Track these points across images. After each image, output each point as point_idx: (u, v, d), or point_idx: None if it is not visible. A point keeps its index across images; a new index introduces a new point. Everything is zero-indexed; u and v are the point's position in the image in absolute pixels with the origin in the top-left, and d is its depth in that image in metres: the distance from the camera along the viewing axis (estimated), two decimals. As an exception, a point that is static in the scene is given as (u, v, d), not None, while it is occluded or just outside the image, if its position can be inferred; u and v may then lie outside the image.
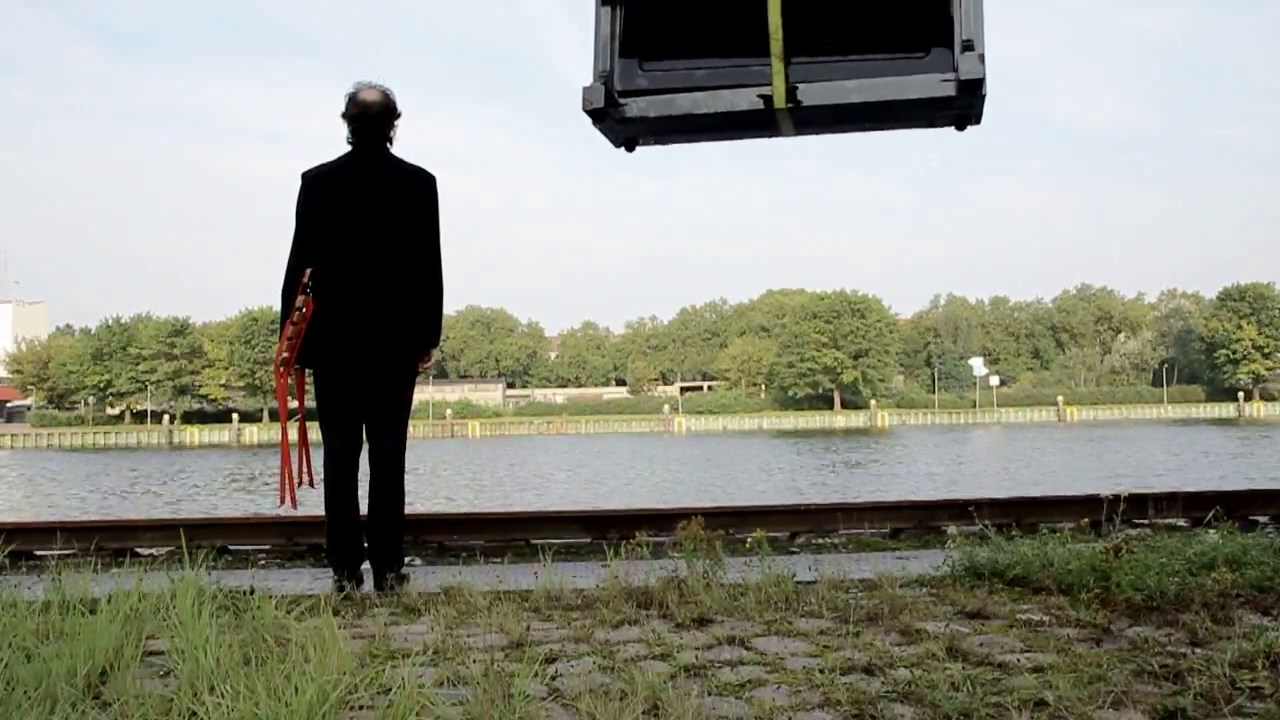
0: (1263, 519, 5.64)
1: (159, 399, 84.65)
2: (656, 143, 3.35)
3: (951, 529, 5.47)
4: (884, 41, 2.96)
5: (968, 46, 2.81)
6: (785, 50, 2.90)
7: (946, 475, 26.24)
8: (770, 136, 3.27)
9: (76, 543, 5.28)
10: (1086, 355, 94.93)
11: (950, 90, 2.83)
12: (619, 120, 3.05)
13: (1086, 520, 5.26)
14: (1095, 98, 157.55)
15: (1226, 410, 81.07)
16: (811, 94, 2.91)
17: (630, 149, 3.24)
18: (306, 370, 4.10)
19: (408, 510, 4.22)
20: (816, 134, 3.32)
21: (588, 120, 2.98)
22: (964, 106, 2.93)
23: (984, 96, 2.87)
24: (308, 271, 3.91)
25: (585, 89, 3.01)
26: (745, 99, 2.96)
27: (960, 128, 3.07)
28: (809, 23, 2.95)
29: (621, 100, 3.00)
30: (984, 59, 2.80)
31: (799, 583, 3.44)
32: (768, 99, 2.92)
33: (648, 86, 3.06)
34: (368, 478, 4.07)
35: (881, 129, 3.29)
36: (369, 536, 4.03)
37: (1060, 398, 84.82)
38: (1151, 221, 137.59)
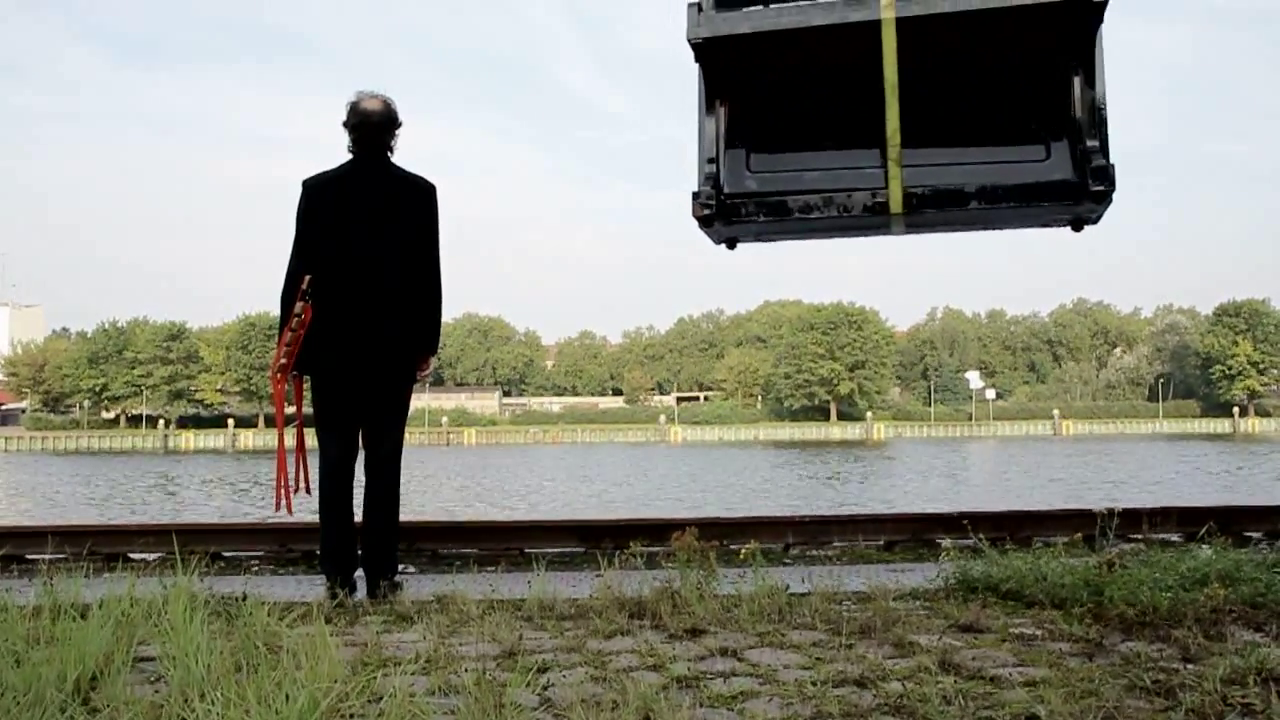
0: (1256, 535, 5.64)
1: (154, 403, 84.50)
2: (758, 241, 3.32)
3: (946, 542, 5.47)
4: (1004, 144, 2.89)
5: (1093, 152, 2.76)
6: (902, 154, 2.84)
7: (941, 488, 26.23)
8: (879, 235, 3.23)
9: (68, 547, 5.26)
10: (1082, 370, 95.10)
11: (1073, 208, 2.80)
12: (726, 224, 3.03)
13: (1080, 535, 5.25)
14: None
15: (1222, 426, 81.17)
16: (928, 199, 2.86)
17: (732, 247, 3.20)
18: (304, 377, 4.10)
19: (402, 518, 4.22)
20: (928, 234, 3.28)
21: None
22: (1087, 211, 2.90)
23: (1110, 202, 2.82)
24: (307, 278, 3.91)
25: (695, 196, 2.97)
26: (859, 203, 2.90)
27: (1077, 229, 3.03)
28: (927, 124, 2.88)
29: (729, 202, 2.96)
30: (1112, 166, 2.75)
31: (792, 594, 3.44)
32: (883, 204, 2.88)
33: (757, 189, 3.01)
34: (363, 484, 4.07)
35: (993, 229, 3.25)
36: (363, 543, 4.03)
37: (1056, 412, 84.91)
38: (1149, 237, 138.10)
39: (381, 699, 2.23)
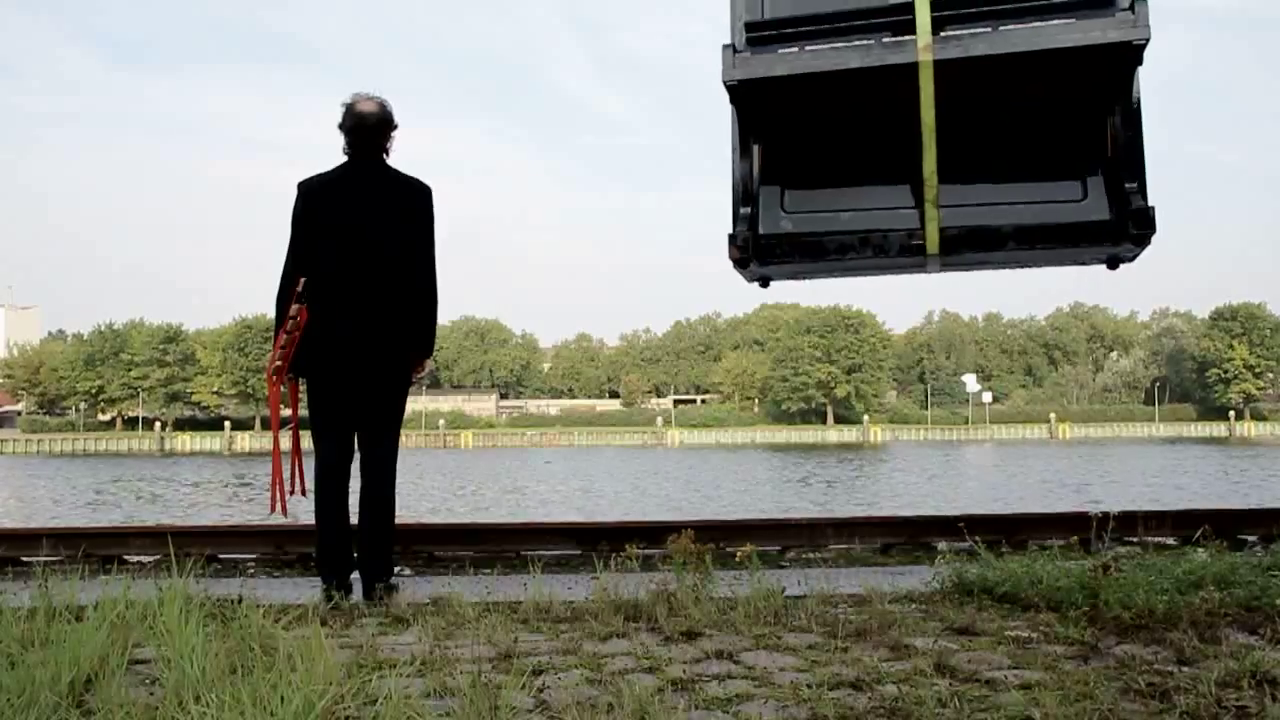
0: (1251, 538, 5.65)
1: (151, 405, 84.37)
2: (792, 280, 3.34)
3: (941, 545, 5.48)
4: (1041, 185, 2.88)
5: (1132, 193, 2.75)
6: (939, 196, 2.83)
7: (937, 491, 26.24)
8: (913, 273, 3.25)
9: (64, 549, 5.26)
10: (1079, 373, 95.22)
11: (1110, 249, 2.81)
12: (761, 264, 3.03)
13: (1076, 538, 5.26)
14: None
15: (1218, 429, 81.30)
16: (965, 240, 2.85)
17: (765, 285, 3.21)
18: (299, 379, 4.10)
19: (398, 520, 4.22)
20: (963, 271, 3.29)
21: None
22: (1125, 252, 2.90)
23: (1149, 243, 2.80)
24: (302, 280, 3.91)
25: (730, 238, 2.96)
26: (895, 244, 2.90)
27: (1112, 267, 3.03)
28: (964, 165, 2.87)
29: (765, 244, 2.97)
30: (1153, 208, 2.74)
31: (788, 597, 3.44)
32: (919, 246, 2.88)
33: (792, 230, 3.01)
34: (359, 487, 4.06)
35: (1029, 268, 3.27)
36: (359, 546, 4.02)
37: (1053, 415, 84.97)
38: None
39: (377, 701, 2.22)
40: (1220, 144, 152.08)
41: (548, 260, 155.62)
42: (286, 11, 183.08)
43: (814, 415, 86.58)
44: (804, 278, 3.31)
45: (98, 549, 5.33)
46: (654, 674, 2.60)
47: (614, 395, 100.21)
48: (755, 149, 3.06)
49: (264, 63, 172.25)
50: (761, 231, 3.00)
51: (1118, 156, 2.82)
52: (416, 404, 79.01)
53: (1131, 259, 2.95)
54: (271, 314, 4.06)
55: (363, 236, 3.99)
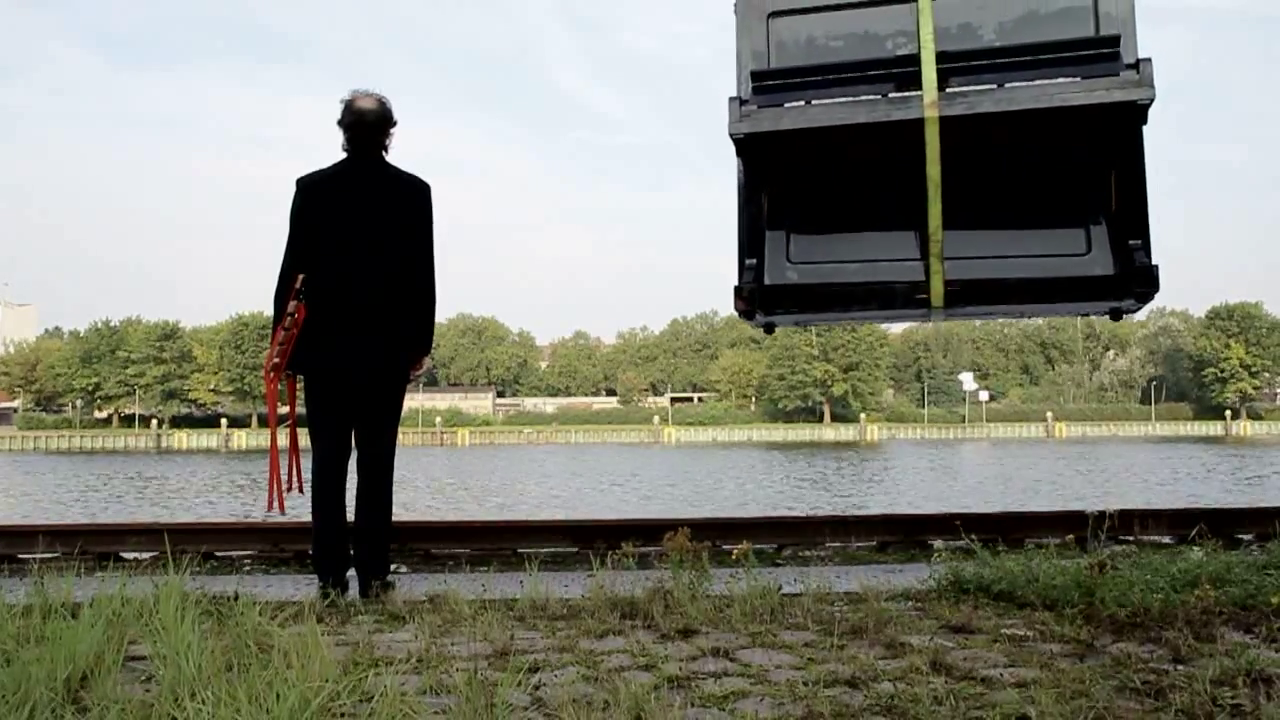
0: (1246, 537, 5.66)
1: (147, 403, 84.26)
2: (797, 325, 3.38)
3: (938, 543, 5.48)
4: (1046, 239, 2.89)
5: (1136, 250, 2.76)
6: (944, 249, 2.84)
7: (934, 489, 26.26)
8: (917, 322, 3.28)
9: (60, 546, 5.25)
10: (1075, 372, 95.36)
11: (1114, 304, 2.81)
12: (767, 313, 3.03)
13: (1072, 536, 5.27)
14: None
15: (1214, 428, 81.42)
16: (969, 294, 2.86)
17: (769, 331, 3.23)
18: (297, 376, 4.10)
19: (395, 518, 4.21)
20: (964, 319, 3.31)
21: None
22: (1128, 306, 2.90)
23: (1152, 299, 2.82)
24: (300, 277, 3.91)
25: (736, 291, 2.98)
26: (900, 295, 2.91)
27: (1115, 318, 3.04)
28: (970, 219, 2.88)
29: (770, 294, 2.98)
30: (1156, 267, 2.74)
31: (784, 595, 3.44)
32: (924, 299, 2.88)
33: (797, 281, 3.02)
34: (355, 484, 4.06)
35: (1033, 317, 3.30)
36: (355, 543, 4.02)
37: (1049, 414, 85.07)
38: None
39: (373, 698, 2.22)
40: (1220, 143, 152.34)
41: (545, 258, 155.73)
42: (283, 10, 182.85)
43: (811, 414, 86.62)
44: (809, 325, 3.36)
45: (94, 546, 5.32)
46: (650, 671, 2.60)
47: (611, 393, 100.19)
48: (762, 200, 3.05)
49: (262, 61, 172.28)
50: (767, 282, 3.00)
51: (1122, 212, 2.82)
52: (413, 402, 78.92)
53: (1134, 311, 2.97)
54: (269, 311, 4.06)
55: (361, 234, 3.98)
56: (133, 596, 3.02)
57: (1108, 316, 3.04)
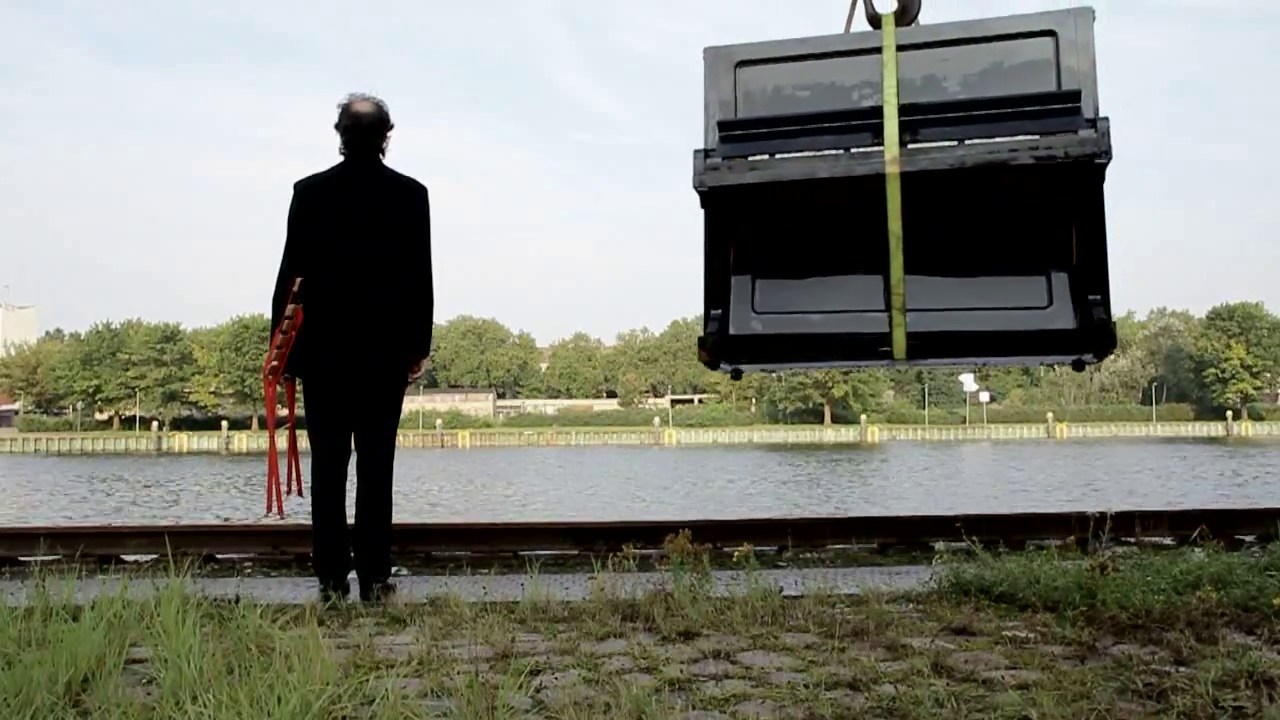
0: (1248, 538, 5.66)
1: (148, 405, 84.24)
2: (763, 371, 3.43)
3: (939, 545, 5.48)
4: (1006, 293, 2.93)
5: (1094, 305, 2.79)
6: (907, 302, 2.88)
7: (935, 491, 26.24)
8: (881, 367, 3.31)
9: (61, 549, 5.25)
10: (1076, 373, 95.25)
11: (1073, 356, 2.84)
12: (732, 362, 3.07)
13: (1073, 538, 5.27)
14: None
15: (1215, 429, 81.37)
16: (931, 347, 2.90)
17: (736, 377, 3.27)
18: (296, 379, 4.10)
19: (395, 520, 4.21)
20: (928, 368, 3.38)
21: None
22: (1088, 360, 2.93)
23: (1111, 351, 2.86)
24: (298, 280, 3.91)
25: (700, 342, 3.03)
26: (862, 347, 2.96)
27: (1078, 369, 3.08)
28: (931, 272, 2.92)
29: (735, 344, 3.03)
30: (1114, 323, 2.79)
31: (785, 597, 3.44)
32: (887, 351, 2.92)
33: (762, 331, 3.05)
34: (355, 487, 4.06)
35: (995, 366, 3.35)
36: (355, 546, 4.02)
37: (1050, 414, 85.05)
38: (1142, 240, 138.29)
39: (374, 701, 2.22)
40: (1220, 143, 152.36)
41: (545, 260, 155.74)
42: (281, 11, 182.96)
43: (811, 415, 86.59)
44: (775, 372, 3.42)
45: (95, 548, 5.32)
46: (651, 674, 2.60)
47: (611, 395, 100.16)
48: (726, 251, 3.09)
49: (260, 62, 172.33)
50: (732, 332, 3.04)
51: (1082, 266, 2.86)
52: (413, 404, 78.98)
53: (1094, 364, 3.02)
54: (268, 314, 4.06)
55: (359, 236, 3.98)
56: (134, 599, 3.02)
57: (1071, 367, 3.10)
